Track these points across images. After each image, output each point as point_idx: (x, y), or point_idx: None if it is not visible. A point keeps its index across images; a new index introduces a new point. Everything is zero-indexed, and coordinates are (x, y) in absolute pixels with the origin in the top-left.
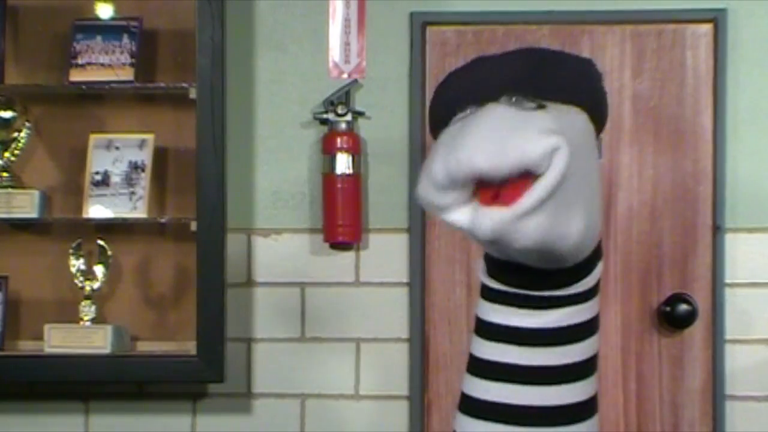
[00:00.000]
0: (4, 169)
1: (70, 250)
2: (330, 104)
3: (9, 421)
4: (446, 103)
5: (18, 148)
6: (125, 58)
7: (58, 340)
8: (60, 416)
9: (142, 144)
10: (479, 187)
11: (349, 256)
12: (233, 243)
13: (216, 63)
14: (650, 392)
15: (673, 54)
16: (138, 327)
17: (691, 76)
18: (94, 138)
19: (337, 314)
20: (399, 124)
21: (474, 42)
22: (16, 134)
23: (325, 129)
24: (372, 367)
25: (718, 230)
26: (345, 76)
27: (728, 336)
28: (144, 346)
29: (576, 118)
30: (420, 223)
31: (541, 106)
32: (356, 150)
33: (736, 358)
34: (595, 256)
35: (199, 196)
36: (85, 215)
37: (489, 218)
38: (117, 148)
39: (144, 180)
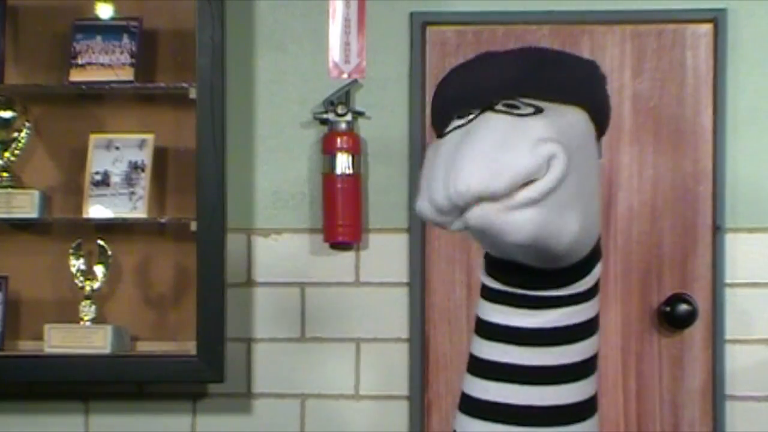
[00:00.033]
0: (4, 169)
1: (70, 250)
2: (330, 104)
3: (9, 421)
4: (448, 100)
5: (18, 148)
6: (125, 58)
7: (58, 340)
8: (60, 416)
9: (142, 144)
10: None
11: (349, 256)
12: (233, 243)
13: (216, 63)
14: (650, 392)
15: (673, 54)
16: (138, 327)
17: (691, 76)
18: (94, 138)
19: (337, 314)
20: (399, 124)
21: (474, 42)
22: (16, 134)
23: (325, 129)
24: (372, 367)
25: (718, 230)
26: (345, 76)
27: (728, 336)
28: (144, 346)
29: (575, 118)
30: (420, 223)
31: (538, 110)
32: (356, 150)
33: (736, 358)
34: (594, 256)
35: (199, 196)
36: (85, 215)
37: (480, 208)
38: (117, 148)
39: (144, 180)
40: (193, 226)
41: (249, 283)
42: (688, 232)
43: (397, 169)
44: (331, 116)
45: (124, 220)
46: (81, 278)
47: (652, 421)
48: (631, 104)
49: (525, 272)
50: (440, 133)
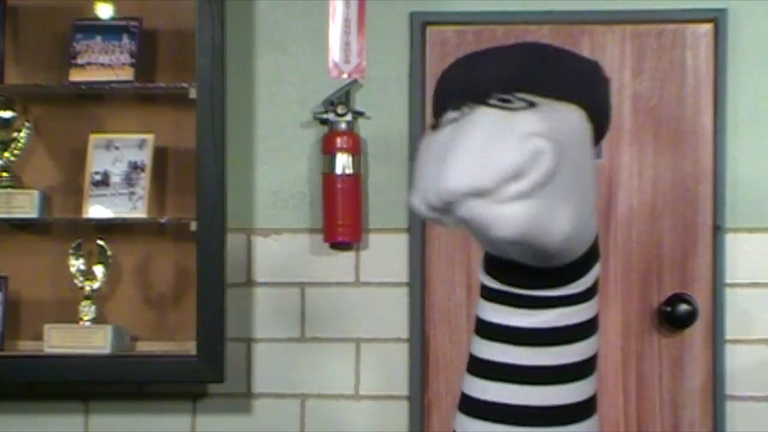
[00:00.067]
0: (4, 169)
1: (70, 250)
2: (330, 104)
3: (9, 421)
4: (445, 91)
5: (18, 148)
6: (125, 58)
7: (58, 340)
8: (60, 416)
9: (142, 144)
10: None
11: (349, 256)
12: (233, 243)
13: (216, 63)
14: (650, 392)
15: (673, 54)
16: (138, 327)
17: (691, 76)
18: (94, 138)
19: (337, 314)
20: (399, 124)
21: (474, 42)
22: (16, 134)
23: (325, 129)
24: (372, 367)
25: (718, 230)
26: (345, 76)
27: (728, 336)
28: (144, 346)
29: (570, 116)
30: (420, 223)
31: (530, 104)
32: (356, 150)
33: (736, 358)
34: (592, 256)
35: (199, 196)
36: (85, 215)
37: (469, 204)
38: (117, 148)
39: (144, 180)
40: (193, 226)
41: (249, 283)
42: (688, 232)
43: (397, 169)
44: (331, 116)
45: (124, 220)
46: (81, 278)
47: (652, 421)
48: (631, 104)
49: (522, 271)
50: (435, 124)
